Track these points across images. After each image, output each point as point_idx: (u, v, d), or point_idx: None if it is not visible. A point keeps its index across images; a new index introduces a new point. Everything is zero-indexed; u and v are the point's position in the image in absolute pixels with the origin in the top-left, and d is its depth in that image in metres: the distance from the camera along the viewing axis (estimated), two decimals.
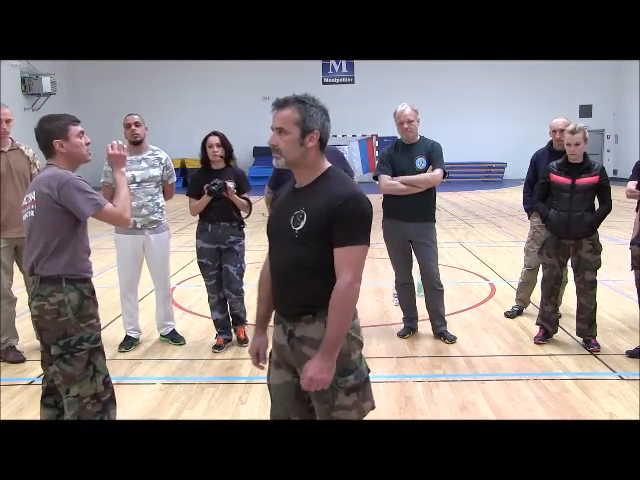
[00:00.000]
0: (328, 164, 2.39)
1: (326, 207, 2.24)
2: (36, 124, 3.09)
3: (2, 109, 4.71)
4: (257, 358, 2.58)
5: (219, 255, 5.10)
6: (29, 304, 3.11)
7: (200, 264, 5.16)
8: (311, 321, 2.31)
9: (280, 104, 2.30)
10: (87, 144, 3.12)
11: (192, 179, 5.24)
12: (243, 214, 5.16)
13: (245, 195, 5.12)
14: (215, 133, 5.06)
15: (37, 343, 5.09)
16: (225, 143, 5.02)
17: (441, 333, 5.30)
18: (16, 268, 4.99)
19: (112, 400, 3.09)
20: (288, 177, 5.97)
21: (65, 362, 2.96)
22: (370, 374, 2.44)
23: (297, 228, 2.28)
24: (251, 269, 6.17)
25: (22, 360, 4.89)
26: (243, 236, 5.18)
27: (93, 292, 3.08)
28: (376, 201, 5.55)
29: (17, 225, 4.69)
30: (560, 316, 5.35)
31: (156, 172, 5.07)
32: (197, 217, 5.20)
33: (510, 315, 5.92)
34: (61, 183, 2.95)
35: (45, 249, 2.96)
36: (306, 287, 2.30)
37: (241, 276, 5.19)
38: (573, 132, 4.78)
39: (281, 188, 2.63)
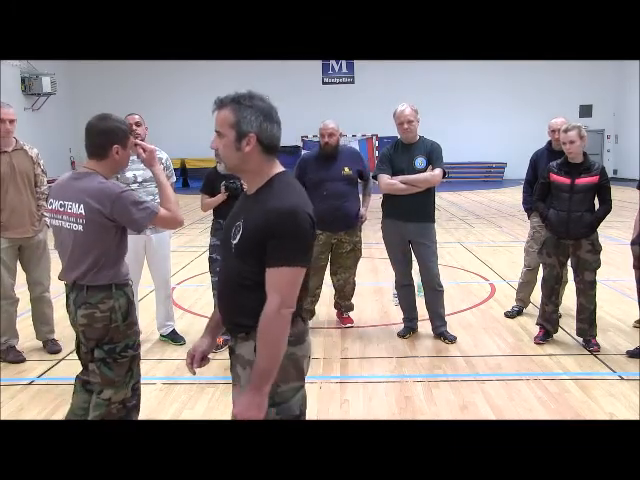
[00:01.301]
0: (278, 170, 2.17)
1: (261, 220, 2.04)
2: (93, 118, 2.93)
3: (6, 109, 4.66)
4: (190, 358, 2.36)
5: None
6: (69, 313, 3.03)
7: (210, 259, 5.17)
8: (245, 339, 2.15)
9: (218, 104, 2.12)
10: None
11: (207, 177, 5.25)
12: None
13: None
14: None
15: (37, 343, 5.17)
16: None
17: (441, 333, 5.30)
18: (19, 267, 5.02)
19: (136, 407, 3.06)
20: (317, 180, 5.90)
21: (107, 366, 2.92)
22: (305, 417, 2.19)
23: (234, 241, 2.12)
24: None
25: (22, 360, 4.89)
26: None
27: (133, 295, 3.08)
28: (376, 201, 5.59)
29: (20, 225, 4.74)
30: (560, 316, 5.35)
31: None
32: (199, 217, 5.22)
33: (510, 315, 5.93)
34: (112, 198, 2.81)
35: (94, 264, 2.89)
36: (240, 304, 2.14)
37: None
38: (566, 130, 4.81)
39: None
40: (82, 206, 2.84)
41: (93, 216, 2.83)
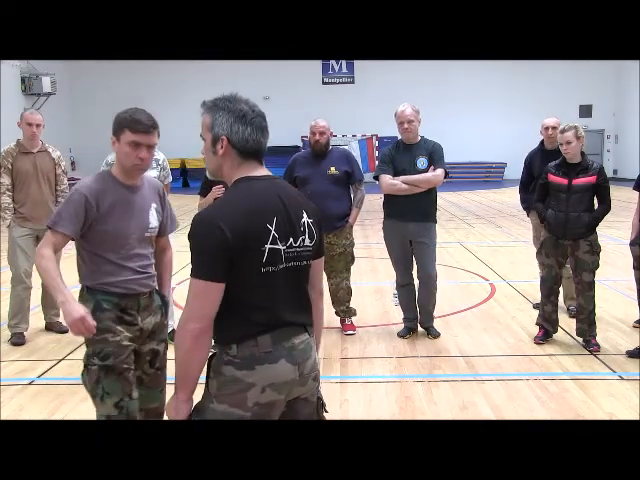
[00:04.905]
0: (240, 175, 2.06)
1: None
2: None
3: (34, 114, 5.33)
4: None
5: None
6: None
7: None
8: None
9: (203, 108, 2.11)
10: (141, 160, 2.72)
11: (204, 179, 5.24)
12: None
13: None
14: None
15: (40, 342, 5.28)
16: None
17: (427, 328, 5.40)
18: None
19: None
20: (303, 177, 5.91)
21: (85, 372, 2.80)
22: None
23: None
24: None
25: (21, 343, 5.26)
26: None
27: (122, 308, 2.82)
28: (377, 201, 5.58)
29: (40, 218, 5.22)
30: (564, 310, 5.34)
31: (154, 173, 5.10)
32: None
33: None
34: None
35: (77, 264, 2.87)
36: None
37: None
38: (563, 131, 4.84)
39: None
40: None
41: None
